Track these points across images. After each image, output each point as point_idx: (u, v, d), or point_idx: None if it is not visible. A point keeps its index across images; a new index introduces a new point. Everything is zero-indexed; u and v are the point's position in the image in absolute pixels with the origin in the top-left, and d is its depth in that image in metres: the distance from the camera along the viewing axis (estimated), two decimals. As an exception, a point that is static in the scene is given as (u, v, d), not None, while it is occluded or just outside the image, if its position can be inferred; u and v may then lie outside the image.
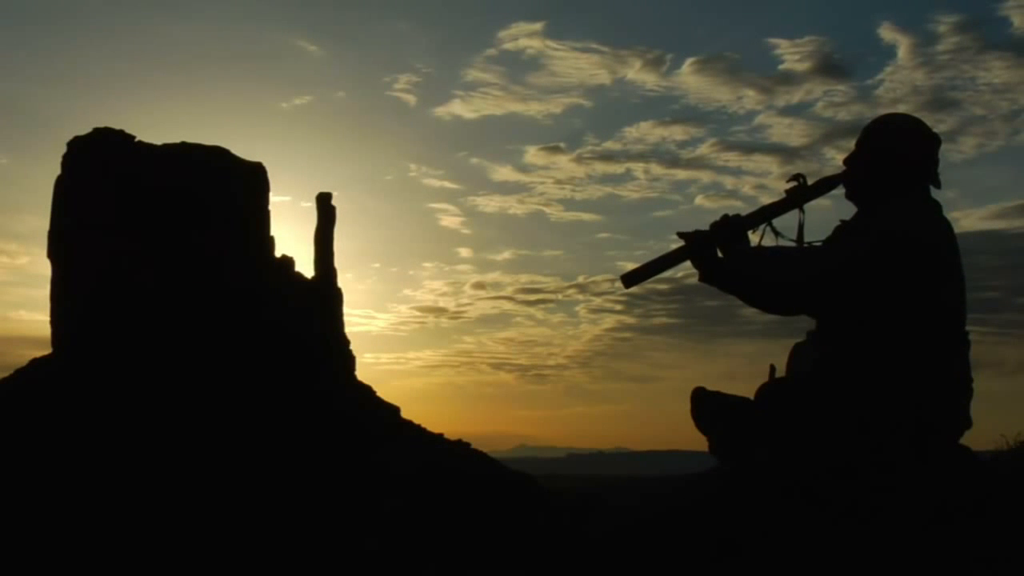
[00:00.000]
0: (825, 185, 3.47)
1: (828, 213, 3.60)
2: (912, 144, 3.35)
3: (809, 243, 3.44)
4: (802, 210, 3.46)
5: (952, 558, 2.95)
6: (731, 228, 3.42)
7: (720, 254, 3.41)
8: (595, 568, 3.61)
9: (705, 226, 3.43)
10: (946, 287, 3.22)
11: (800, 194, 3.46)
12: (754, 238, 3.45)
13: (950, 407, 3.20)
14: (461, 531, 43.16)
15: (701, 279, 3.40)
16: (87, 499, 45.16)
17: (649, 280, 3.52)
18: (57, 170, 64.03)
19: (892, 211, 3.27)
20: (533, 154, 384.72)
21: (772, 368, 3.49)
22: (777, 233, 3.47)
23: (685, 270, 3.43)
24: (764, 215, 3.47)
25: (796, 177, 3.49)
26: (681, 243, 3.45)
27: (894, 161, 3.34)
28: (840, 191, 3.47)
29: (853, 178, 3.42)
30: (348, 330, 69.94)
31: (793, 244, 3.45)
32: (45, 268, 63.41)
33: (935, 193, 3.39)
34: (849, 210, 3.46)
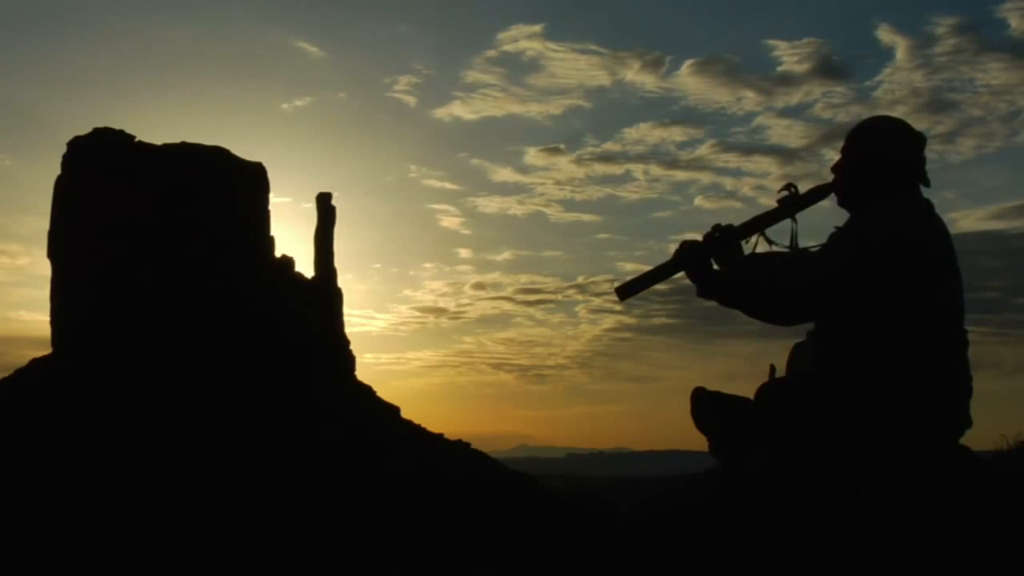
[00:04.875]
0: (816, 194, 3.48)
1: (824, 219, 3.60)
2: (898, 145, 3.35)
3: (803, 249, 3.45)
4: (794, 219, 3.47)
5: (952, 558, 2.95)
6: (724, 239, 3.42)
7: (715, 266, 3.42)
8: (595, 568, 3.61)
9: (704, 227, 3.44)
10: (941, 285, 3.22)
11: (791, 203, 3.47)
12: (747, 248, 3.45)
13: (950, 406, 3.20)
14: (461, 531, 43.14)
15: (699, 294, 3.41)
16: (87, 499, 45.14)
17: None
18: (57, 170, 64.05)
19: (882, 212, 3.28)
20: (533, 155, 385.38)
21: (772, 368, 3.49)
22: (771, 242, 3.47)
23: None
24: (756, 225, 3.47)
25: (788, 186, 3.50)
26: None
27: (881, 164, 3.34)
28: (834, 199, 3.47)
29: (844, 185, 3.43)
30: (348, 330, 70.01)
31: (787, 251, 3.45)
32: (45, 268, 63.45)
33: (930, 192, 3.39)
34: (843, 217, 3.47)
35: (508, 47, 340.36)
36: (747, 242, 3.46)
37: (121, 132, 64.25)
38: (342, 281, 71.18)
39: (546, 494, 56.76)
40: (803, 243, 3.46)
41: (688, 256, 3.41)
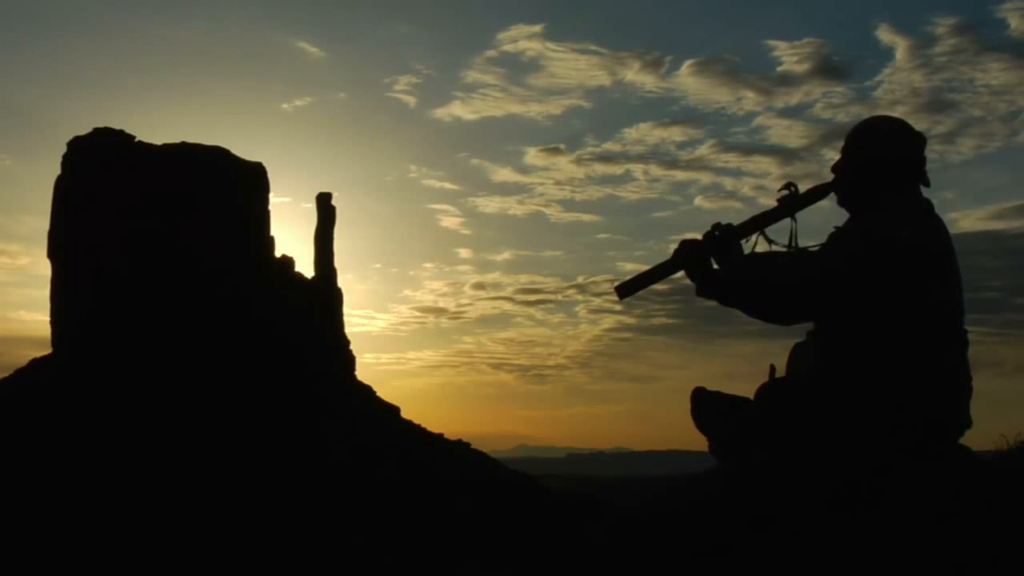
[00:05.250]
0: (816, 193, 3.48)
1: (824, 219, 3.61)
2: (898, 145, 3.35)
3: (803, 248, 3.45)
4: (794, 218, 3.47)
5: (952, 558, 2.95)
6: (723, 238, 3.42)
7: (715, 265, 3.42)
8: (595, 568, 3.61)
9: (704, 226, 3.44)
10: (940, 285, 3.22)
11: (791, 202, 3.47)
12: (747, 247, 3.45)
13: (950, 406, 3.20)
14: (461, 531, 43.15)
15: (698, 293, 3.41)
16: (87, 498, 45.14)
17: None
18: (57, 170, 64.05)
19: (882, 212, 3.28)
20: (533, 155, 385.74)
21: (772, 368, 3.49)
22: (770, 241, 3.47)
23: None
24: (756, 224, 3.47)
25: (787, 186, 3.50)
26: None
27: (882, 164, 3.34)
28: (834, 199, 3.48)
29: (844, 184, 3.43)
30: (348, 330, 69.99)
31: (787, 251, 3.45)
32: (45, 268, 63.46)
33: (930, 192, 3.40)
34: (843, 216, 3.47)
35: (508, 47, 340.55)
36: (747, 241, 3.46)
37: (121, 132, 64.25)
38: (342, 281, 71.24)
39: (546, 494, 56.76)
40: (803, 242, 3.47)
41: (688, 255, 3.41)
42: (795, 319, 3.34)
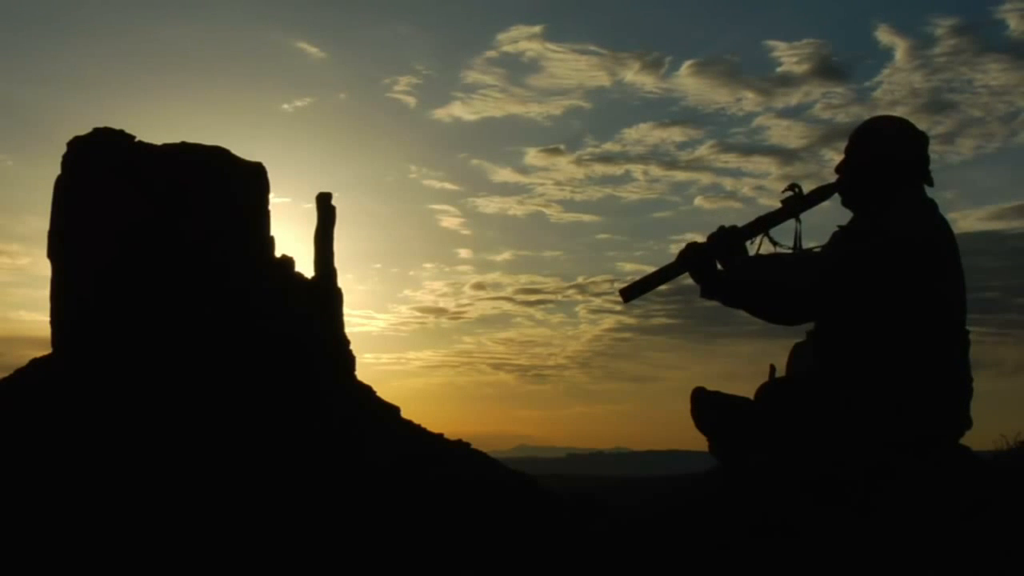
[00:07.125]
0: (820, 194, 3.48)
1: (827, 219, 3.60)
2: (902, 145, 3.35)
3: (808, 249, 3.44)
4: (798, 220, 3.47)
5: (952, 558, 2.94)
6: (728, 239, 3.42)
7: (719, 266, 3.41)
8: (595, 568, 3.60)
9: (704, 227, 3.46)
10: (944, 285, 3.22)
11: (796, 203, 3.47)
12: (752, 248, 3.45)
13: (950, 406, 3.20)
14: (461, 531, 43.13)
15: (703, 294, 3.40)
16: (87, 499, 45.13)
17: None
18: (57, 170, 64.01)
19: (888, 212, 3.28)
20: (533, 156, 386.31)
21: (772, 368, 3.49)
22: (775, 242, 3.47)
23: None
24: (761, 225, 3.47)
25: (792, 187, 3.50)
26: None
27: (886, 164, 3.34)
28: (837, 199, 3.47)
29: (847, 185, 3.42)
30: (348, 330, 69.90)
31: (791, 252, 3.45)
32: (45, 268, 63.41)
33: (931, 192, 3.39)
34: (846, 217, 3.47)
35: (508, 48, 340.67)
36: (751, 243, 3.45)
37: (121, 132, 64.20)
38: (342, 281, 71.15)
39: (546, 494, 56.72)
40: (807, 243, 3.47)
41: (692, 257, 3.40)
42: (799, 320, 3.34)
